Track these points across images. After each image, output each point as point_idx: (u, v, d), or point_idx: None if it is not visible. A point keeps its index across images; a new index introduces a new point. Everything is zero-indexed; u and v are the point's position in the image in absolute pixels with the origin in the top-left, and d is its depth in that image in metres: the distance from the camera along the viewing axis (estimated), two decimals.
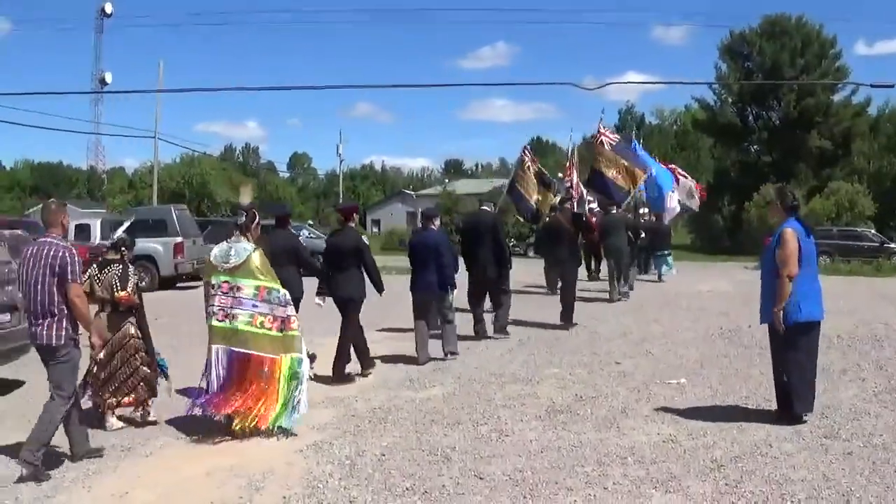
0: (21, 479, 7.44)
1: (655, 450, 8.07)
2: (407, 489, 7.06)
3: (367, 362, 12.33)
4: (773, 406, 9.59)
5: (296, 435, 8.83)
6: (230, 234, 9.55)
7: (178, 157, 76.06)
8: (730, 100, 69.19)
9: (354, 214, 13.27)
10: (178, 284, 28.17)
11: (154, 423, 9.56)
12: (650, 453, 7.96)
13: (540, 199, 23.50)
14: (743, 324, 16.66)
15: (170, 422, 9.43)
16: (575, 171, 25.27)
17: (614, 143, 24.37)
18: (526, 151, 24.34)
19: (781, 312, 8.90)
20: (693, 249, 56.46)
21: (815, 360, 9.11)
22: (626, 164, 23.60)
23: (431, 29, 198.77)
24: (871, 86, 29.60)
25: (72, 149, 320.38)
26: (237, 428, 8.84)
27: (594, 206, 26.15)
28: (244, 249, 9.22)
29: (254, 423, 8.83)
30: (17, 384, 11.83)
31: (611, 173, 23.43)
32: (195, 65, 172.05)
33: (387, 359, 13.18)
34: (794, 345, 9.03)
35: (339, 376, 11.86)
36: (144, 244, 26.78)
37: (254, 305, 9.09)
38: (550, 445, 8.27)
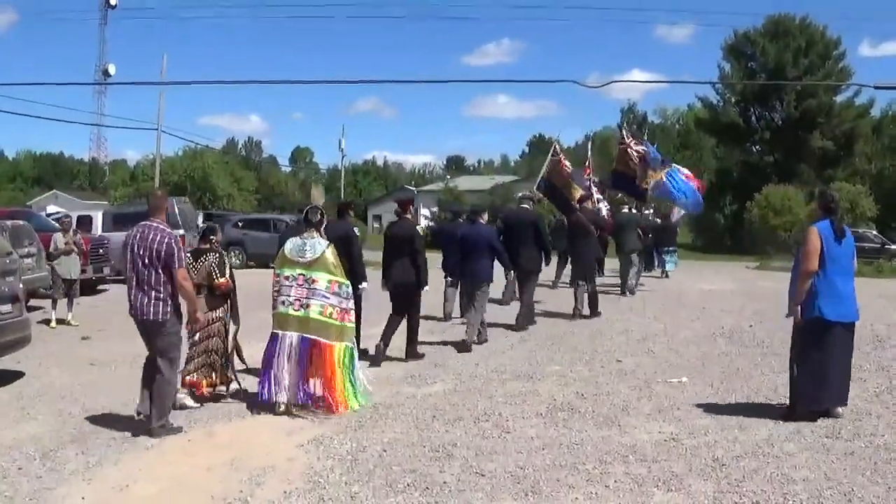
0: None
1: (657, 448, 8.07)
2: (408, 485, 7.03)
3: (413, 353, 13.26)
4: (774, 405, 9.65)
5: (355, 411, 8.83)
6: (302, 230, 10.43)
7: (180, 149, 76.14)
8: (733, 99, 69.15)
9: (410, 206, 14.10)
10: None
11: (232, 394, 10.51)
12: (652, 451, 7.95)
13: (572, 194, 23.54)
14: (744, 323, 16.71)
15: (172, 415, 9.41)
16: (592, 171, 25.44)
17: (641, 152, 24.55)
18: (557, 151, 24.12)
19: (799, 308, 9.08)
20: (695, 249, 56.42)
21: (831, 361, 8.98)
22: (652, 171, 23.80)
23: (436, 25, 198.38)
24: (875, 87, 29.62)
25: (74, 140, 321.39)
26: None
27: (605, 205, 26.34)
28: (319, 245, 10.07)
29: (327, 405, 9.73)
30: (18, 375, 11.79)
31: (639, 175, 23.56)
32: (199, 58, 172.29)
33: (387, 356, 13.09)
34: (805, 340, 9.15)
35: (413, 355, 13.05)
36: None
37: (325, 297, 9.91)
38: (552, 442, 8.26)
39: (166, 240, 8.66)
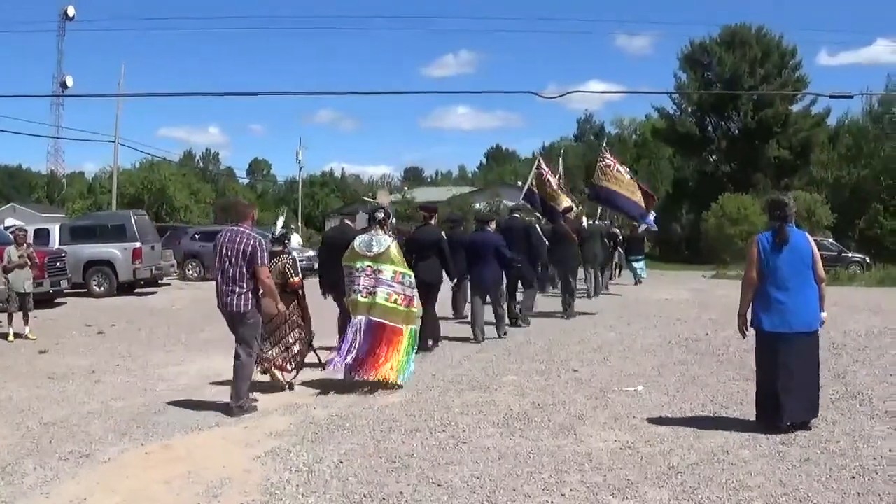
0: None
1: (612, 456, 8.09)
2: (365, 496, 7.02)
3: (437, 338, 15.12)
4: (730, 413, 9.74)
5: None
6: (369, 227, 12.14)
7: (138, 162, 75.85)
8: (689, 109, 69.71)
9: (435, 214, 15.89)
10: (137, 290, 28.01)
11: (291, 388, 11.65)
12: (607, 460, 7.97)
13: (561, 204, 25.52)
14: (700, 332, 16.82)
15: (130, 428, 9.38)
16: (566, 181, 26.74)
17: (625, 171, 25.71)
18: (541, 164, 26.57)
19: (744, 318, 9.25)
20: (653, 258, 56.61)
21: (779, 372, 8.91)
22: (641, 188, 24.89)
23: (395, 36, 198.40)
24: (830, 96, 29.82)
25: (33, 152, 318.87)
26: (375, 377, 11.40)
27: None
28: (384, 241, 11.77)
29: (382, 377, 11.32)
30: None
31: (629, 194, 24.49)
32: (158, 69, 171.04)
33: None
34: (756, 351, 9.31)
35: (422, 346, 13.86)
36: (103, 249, 26.78)
37: (390, 285, 11.57)
38: (508, 452, 8.27)
39: (251, 242, 10.09)
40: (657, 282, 33.50)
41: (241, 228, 10.30)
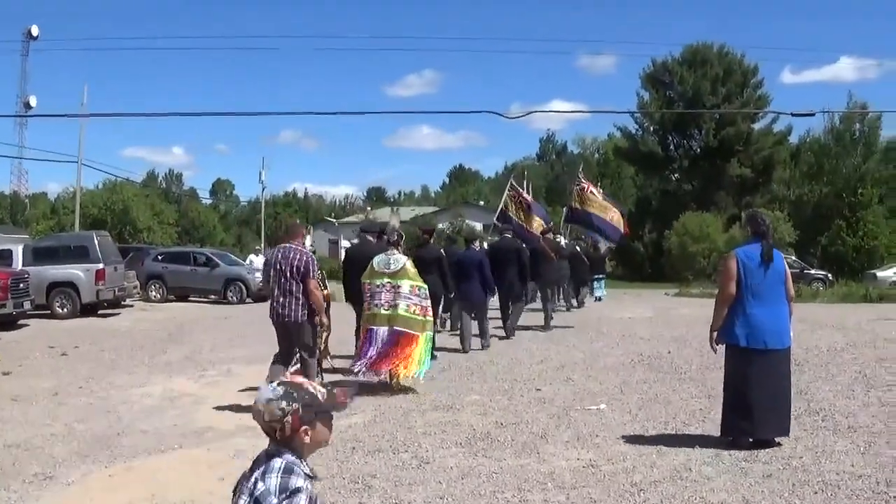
0: None
1: (575, 475, 8.09)
2: None
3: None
4: (692, 430, 9.78)
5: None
6: (386, 247, 13.71)
7: (101, 182, 75.62)
8: (651, 128, 70.11)
9: (434, 234, 18.33)
10: (100, 311, 27.84)
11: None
12: (570, 479, 7.97)
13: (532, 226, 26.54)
14: (663, 350, 16.87)
15: (93, 450, 9.33)
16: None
17: (599, 193, 27.24)
18: (514, 185, 27.64)
19: (716, 333, 9.24)
20: (615, 277, 56.81)
21: (750, 389, 8.95)
22: (614, 210, 26.42)
23: (358, 56, 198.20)
24: (792, 114, 29.93)
25: None
26: (393, 382, 12.96)
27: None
28: (400, 259, 13.20)
29: (401, 374, 12.81)
30: None
31: (607, 216, 26.09)
32: (122, 89, 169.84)
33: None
34: (726, 366, 9.32)
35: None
36: (66, 270, 26.60)
37: (409, 298, 12.94)
38: (471, 472, 8.26)
39: (304, 258, 11.32)
40: (620, 300, 33.64)
41: (294, 245, 11.50)
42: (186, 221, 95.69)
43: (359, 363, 12.81)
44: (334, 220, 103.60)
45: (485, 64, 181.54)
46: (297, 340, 11.45)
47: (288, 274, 11.19)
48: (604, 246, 31.76)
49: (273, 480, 3.35)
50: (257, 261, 38.11)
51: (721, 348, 9.33)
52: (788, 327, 9.16)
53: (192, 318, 27.13)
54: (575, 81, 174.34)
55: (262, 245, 59.69)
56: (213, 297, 34.56)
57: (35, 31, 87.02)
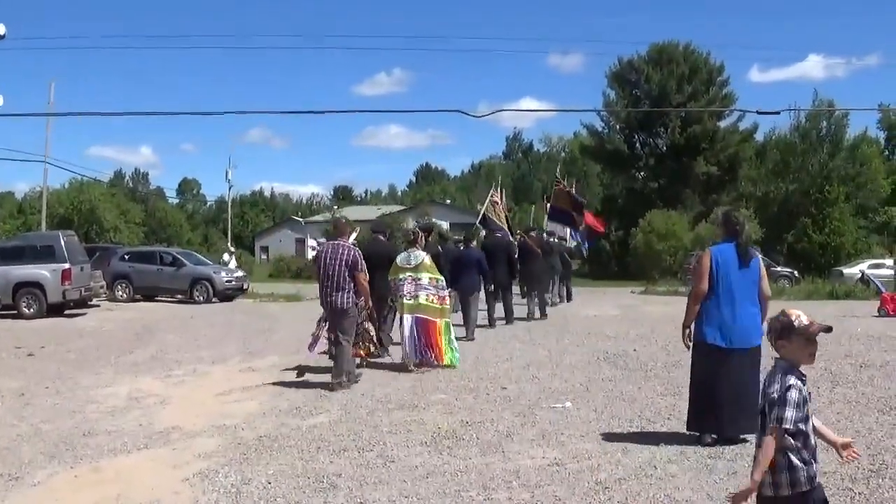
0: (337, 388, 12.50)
1: (540, 473, 8.10)
2: None
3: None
4: (658, 428, 9.82)
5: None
6: (406, 246, 15.45)
7: (67, 182, 75.29)
8: (617, 127, 70.19)
9: (431, 233, 20.77)
10: (66, 311, 27.70)
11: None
12: (535, 477, 7.98)
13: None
14: (628, 347, 16.94)
15: (59, 451, 9.28)
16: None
17: (577, 196, 30.72)
18: (494, 194, 30.46)
19: (689, 329, 9.28)
20: (582, 275, 56.86)
21: (716, 387, 8.95)
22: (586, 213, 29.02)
23: (327, 54, 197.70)
24: (757, 112, 30.14)
25: None
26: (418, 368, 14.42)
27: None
28: (420, 255, 14.94)
29: (437, 362, 14.67)
30: None
31: (576, 214, 29.79)
32: (89, 88, 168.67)
33: (273, 388, 13.19)
34: (693, 363, 9.33)
35: None
36: (32, 270, 26.47)
37: (427, 289, 14.79)
38: (436, 471, 8.26)
39: (351, 253, 12.98)
40: (586, 298, 33.68)
41: (341, 242, 13.28)
42: (153, 221, 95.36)
43: (407, 355, 14.58)
44: (301, 220, 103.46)
45: (453, 62, 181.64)
46: (339, 325, 12.92)
47: (337, 266, 12.78)
48: (573, 244, 33.16)
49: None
50: (231, 263, 38.09)
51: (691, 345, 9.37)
52: (759, 327, 9.09)
53: (159, 317, 27.03)
54: (542, 80, 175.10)
55: (230, 243, 59.34)
56: (179, 296, 34.54)
57: (1, 29, 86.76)
